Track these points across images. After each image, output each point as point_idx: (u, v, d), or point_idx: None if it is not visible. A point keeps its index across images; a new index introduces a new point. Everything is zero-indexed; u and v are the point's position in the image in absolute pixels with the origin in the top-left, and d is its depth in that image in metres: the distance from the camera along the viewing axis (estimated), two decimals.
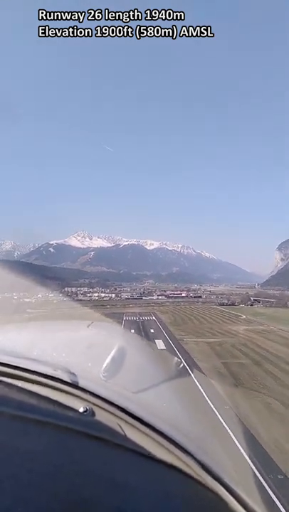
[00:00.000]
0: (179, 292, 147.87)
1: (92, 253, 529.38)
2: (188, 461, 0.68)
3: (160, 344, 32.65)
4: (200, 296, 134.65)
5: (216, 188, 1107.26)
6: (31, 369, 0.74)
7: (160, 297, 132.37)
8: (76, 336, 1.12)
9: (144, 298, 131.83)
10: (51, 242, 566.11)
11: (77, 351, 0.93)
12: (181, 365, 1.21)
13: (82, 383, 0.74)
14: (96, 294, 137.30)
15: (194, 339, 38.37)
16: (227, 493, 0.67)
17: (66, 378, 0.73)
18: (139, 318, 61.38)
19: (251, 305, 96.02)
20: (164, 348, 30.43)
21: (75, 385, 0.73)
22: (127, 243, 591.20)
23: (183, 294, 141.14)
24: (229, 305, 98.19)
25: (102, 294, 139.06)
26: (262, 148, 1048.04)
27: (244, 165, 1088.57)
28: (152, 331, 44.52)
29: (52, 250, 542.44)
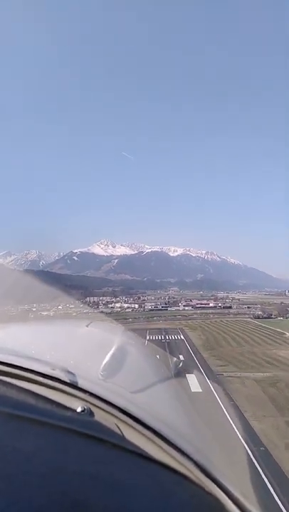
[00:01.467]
0: (206, 302, 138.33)
1: (116, 261, 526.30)
2: (186, 462, 0.68)
3: (193, 382, 24.02)
4: (230, 307, 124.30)
5: (239, 192, 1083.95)
6: (29, 368, 0.74)
7: (186, 308, 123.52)
8: (75, 335, 1.12)
9: (169, 309, 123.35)
10: (75, 251, 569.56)
11: (75, 350, 0.95)
12: (181, 364, 1.20)
13: (80, 383, 0.73)
14: (118, 305, 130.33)
15: (237, 373, 30.15)
16: (224, 495, 0.67)
17: (64, 378, 0.73)
18: (164, 337, 53.83)
19: None
20: (200, 390, 22.38)
21: (73, 385, 0.73)
22: (150, 250, 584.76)
23: (211, 304, 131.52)
24: (265, 318, 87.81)
25: (125, 305, 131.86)
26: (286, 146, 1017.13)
27: (268, 166, 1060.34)
28: (182, 357, 36.60)
29: (76, 259, 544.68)
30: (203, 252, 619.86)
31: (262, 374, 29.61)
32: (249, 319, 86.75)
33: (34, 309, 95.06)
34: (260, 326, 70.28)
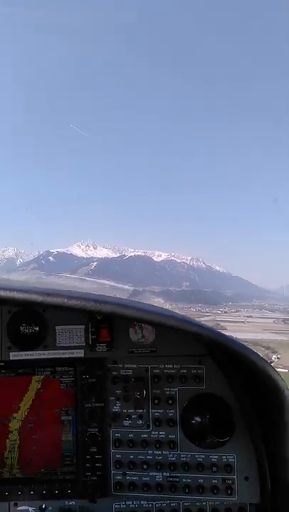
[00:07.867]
0: None
1: (95, 264, 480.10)
2: None
3: None
4: None
5: (226, 200, 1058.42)
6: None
7: None
8: None
9: None
10: (52, 251, 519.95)
11: None
12: None
13: None
14: None
15: None
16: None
17: None
18: None
19: None
20: None
21: None
22: (132, 254, 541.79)
23: None
24: None
25: None
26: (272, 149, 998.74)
27: (254, 170, 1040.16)
28: None
29: (51, 259, 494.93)
30: (188, 258, 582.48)
31: None
32: None
33: None
34: None
